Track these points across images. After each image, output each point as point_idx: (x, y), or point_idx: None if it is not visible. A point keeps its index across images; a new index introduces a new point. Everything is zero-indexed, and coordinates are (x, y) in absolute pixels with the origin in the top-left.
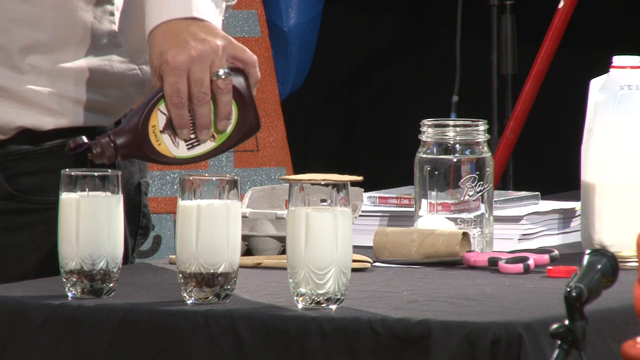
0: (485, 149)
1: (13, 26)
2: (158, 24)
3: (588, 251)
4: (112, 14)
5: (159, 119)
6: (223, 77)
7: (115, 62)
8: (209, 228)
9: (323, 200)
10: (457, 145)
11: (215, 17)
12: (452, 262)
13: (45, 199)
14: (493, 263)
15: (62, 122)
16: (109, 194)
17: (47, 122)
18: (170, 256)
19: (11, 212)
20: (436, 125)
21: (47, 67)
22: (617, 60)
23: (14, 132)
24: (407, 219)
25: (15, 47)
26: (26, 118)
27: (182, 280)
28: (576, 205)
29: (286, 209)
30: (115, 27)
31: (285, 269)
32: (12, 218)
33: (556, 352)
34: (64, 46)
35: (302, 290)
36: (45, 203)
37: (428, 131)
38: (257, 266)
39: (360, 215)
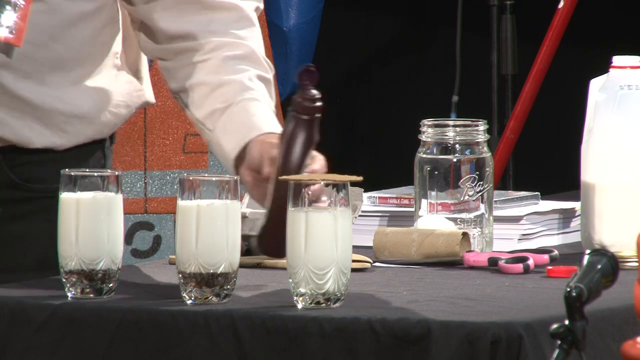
0: (485, 149)
1: (49, 42)
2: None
3: (588, 251)
4: (119, 35)
5: None
6: None
7: (122, 82)
8: (209, 228)
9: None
10: (457, 145)
11: None
12: (452, 262)
13: (45, 187)
14: (493, 263)
15: (73, 141)
16: (108, 193)
17: (60, 143)
18: (170, 256)
19: (14, 201)
20: (436, 125)
21: (68, 84)
22: (617, 60)
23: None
24: (407, 219)
25: (47, 62)
26: (44, 139)
27: (181, 280)
28: (576, 205)
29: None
30: (120, 49)
31: (285, 269)
32: (15, 207)
33: (556, 352)
34: (82, 64)
35: (302, 290)
36: (45, 191)
37: (428, 131)
38: (257, 266)
39: (360, 215)
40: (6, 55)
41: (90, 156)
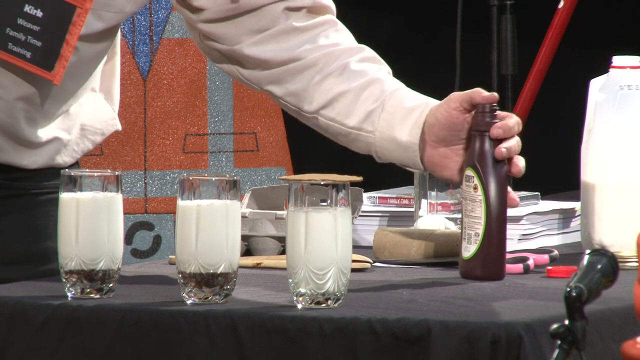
0: None
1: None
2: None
3: (588, 251)
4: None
5: None
6: None
7: (100, 109)
8: (209, 228)
9: (323, 201)
10: None
11: None
12: (452, 262)
13: (27, 184)
14: None
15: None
16: (108, 193)
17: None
18: (170, 256)
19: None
20: None
21: (58, 115)
22: (617, 60)
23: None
24: (407, 219)
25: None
26: (17, 159)
27: (181, 281)
28: (576, 205)
29: (286, 209)
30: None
31: (285, 269)
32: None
33: (556, 352)
34: (74, 95)
35: (302, 290)
36: (28, 188)
37: None
38: (257, 266)
39: (360, 215)
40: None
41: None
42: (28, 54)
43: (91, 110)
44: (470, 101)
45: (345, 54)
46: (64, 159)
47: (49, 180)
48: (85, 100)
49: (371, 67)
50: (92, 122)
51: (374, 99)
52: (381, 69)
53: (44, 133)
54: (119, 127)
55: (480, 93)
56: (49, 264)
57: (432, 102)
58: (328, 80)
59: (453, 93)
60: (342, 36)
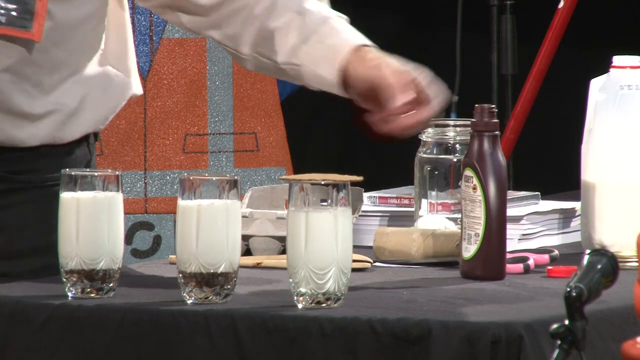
0: None
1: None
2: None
3: (588, 251)
4: (104, 31)
5: None
6: None
7: (108, 76)
8: (209, 228)
9: (323, 201)
10: (457, 145)
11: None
12: (452, 262)
13: (32, 177)
14: None
15: (67, 137)
16: (109, 193)
17: (52, 141)
18: (170, 256)
19: (1, 192)
20: (436, 125)
21: (59, 84)
22: (617, 60)
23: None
24: (407, 219)
25: (46, 66)
26: (36, 138)
27: (182, 280)
28: (576, 205)
29: (286, 209)
30: (103, 45)
31: (285, 268)
32: (2, 197)
33: (556, 352)
34: (72, 64)
35: (302, 290)
36: (33, 182)
37: (428, 131)
38: (257, 266)
39: (360, 215)
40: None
41: (74, 152)
42: (3, 19)
43: (98, 81)
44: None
45: None
46: (71, 131)
47: (52, 173)
48: (90, 71)
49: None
50: (99, 93)
51: (299, 33)
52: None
53: (41, 104)
54: (134, 91)
55: (395, 102)
56: (54, 257)
57: (354, 42)
58: (258, 19)
59: (387, 77)
60: None
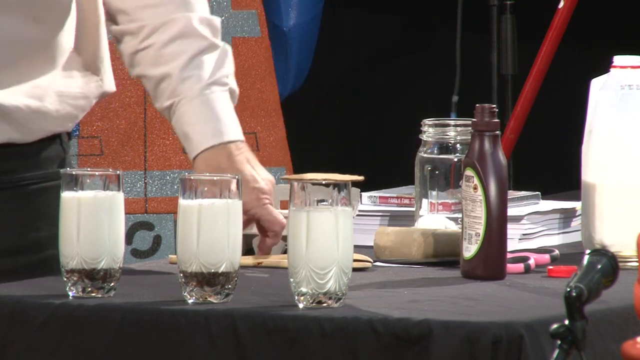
0: None
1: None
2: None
3: (588, 251)
4: (74, 28)
5: None
6: None
7: (78, 74)
8: (210, 227)
9: (322, 200)
10: (458, 145)
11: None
12: (452, 262)
13: (8, 178)
14: None
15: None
16: (109, 192)
17: (21, 139)
18: (170, 256)
19: None
20: (437, 125)
21: (25, 81)
22: (617, 60)
23: None
24: (407, 218)
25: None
26: (3, 135)
27: (182, 280)
28: (576, 205)
29: (282, 209)
30: (73, 42)
31: (285, 268)
32: None
33: (556, 352)
34: (37, 63)
35: (303, 289)
36: (9, 182)
37: (429, 131)
38: (258, 266)
39: (360, 215)
40: None
41: (46, 151)
42: None
43: (67, 78)
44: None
45: (166, 28)
46: (32, 131)
47: (23, 173)
48: (57, 70)
49: (184, 52)
50: (69, 88)
51: (171, 95)
52: (201, 52)
53: (7, 101)
54: (106, 89)
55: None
56: (41, 253)
57: (203, 146)
58: (141, 55)
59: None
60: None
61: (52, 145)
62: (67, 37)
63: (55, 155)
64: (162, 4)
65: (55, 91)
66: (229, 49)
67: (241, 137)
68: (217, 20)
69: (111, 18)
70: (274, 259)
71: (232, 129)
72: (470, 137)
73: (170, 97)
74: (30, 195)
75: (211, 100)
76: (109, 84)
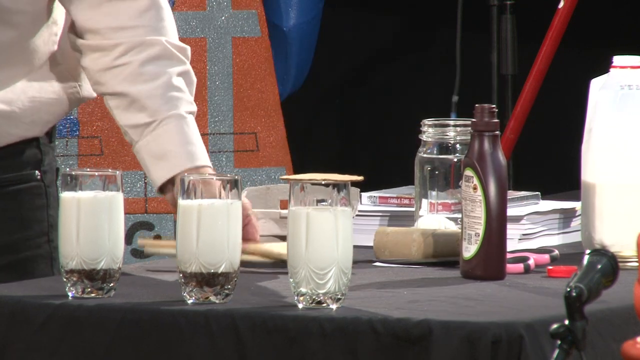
0: None
1: None
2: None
3: (588, 251)
4: (56, 34)
5: None
6: None
7: (54, 80)
8: (210, 228)
9: (322, 200)
10: (458, 145)
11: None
12: (452, 262)
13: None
14: None
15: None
16: (109, 193)
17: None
18: (140, 240)
19: None
20: (436, 125)
21: None
22: (617, 60)
23: None
24: (407, 218)
25: None
26: None
27: (182, 280)
28: (576, 205)
29: (281, 209)
30: (56, 47)
31: (285, 266)
32: None
33: (556, 352)
34: (11, 66)
35: (303, 290)
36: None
37: (428, 131)
38: (258, 264)
39: (360, 215)
40: None
41: (23, 153)
42: None
43: (42, 83)
44: None
45: (143, 49)
46: (10, 131)
47: (6, 174)
48: (33, 75)
49: (164, 73)
50: (42, 94)
51: (147, 114)
52: (179, 74)
53: None
54: (85, 95)
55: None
56: (12, 255)
57: (163, 179)
58: (113, 72)
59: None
60: (155, 21)
61: (27, 149)
62: (44, 43)
63: (31, 157)
64: (136, 27)
65: (28, 96)
66: (192, 72)
67: (210, 163)
68: (187, 47)
69: (77, 33)
70: (268, 247)
71: (205, 155)
72: (470, 137)
73: (152, 115)
74: (5, 197)
75: (189, 123)
76: (88, 90)
